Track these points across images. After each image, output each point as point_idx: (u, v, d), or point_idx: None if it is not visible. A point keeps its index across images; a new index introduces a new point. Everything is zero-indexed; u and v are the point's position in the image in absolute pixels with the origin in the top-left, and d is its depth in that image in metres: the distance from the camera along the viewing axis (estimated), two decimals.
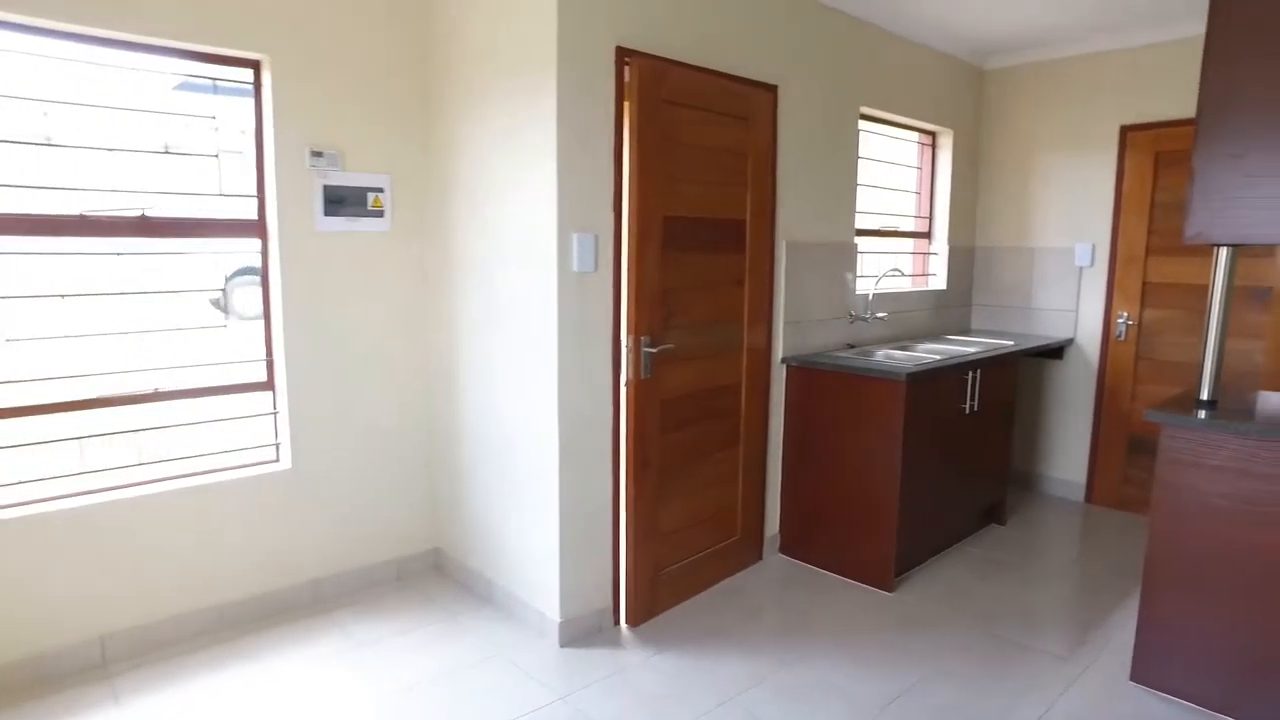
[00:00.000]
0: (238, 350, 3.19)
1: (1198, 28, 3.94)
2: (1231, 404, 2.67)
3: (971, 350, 3.87)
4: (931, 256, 4.73)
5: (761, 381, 3.55)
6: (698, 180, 3.10)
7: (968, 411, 3.69)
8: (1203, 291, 4.08)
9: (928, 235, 4.73)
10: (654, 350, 2.97)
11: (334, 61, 3.00)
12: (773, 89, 3.38)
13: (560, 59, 2.62)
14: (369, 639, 2.93)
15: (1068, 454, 4.64)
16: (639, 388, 2.97)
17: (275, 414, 3.10)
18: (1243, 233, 2.42)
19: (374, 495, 3.32)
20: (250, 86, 2.91)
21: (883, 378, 3.27)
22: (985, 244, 4.87)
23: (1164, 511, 2.58)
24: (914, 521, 3.46)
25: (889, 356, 3.86)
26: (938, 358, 3.66)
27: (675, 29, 2.97)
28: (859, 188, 3.99)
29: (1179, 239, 4.13)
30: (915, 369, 3.27)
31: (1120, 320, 4.35)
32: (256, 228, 2.99)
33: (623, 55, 2.80)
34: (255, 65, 2.90)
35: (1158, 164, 4.16)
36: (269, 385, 3.08)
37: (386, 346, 3.29)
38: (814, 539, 3.63)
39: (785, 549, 3.75)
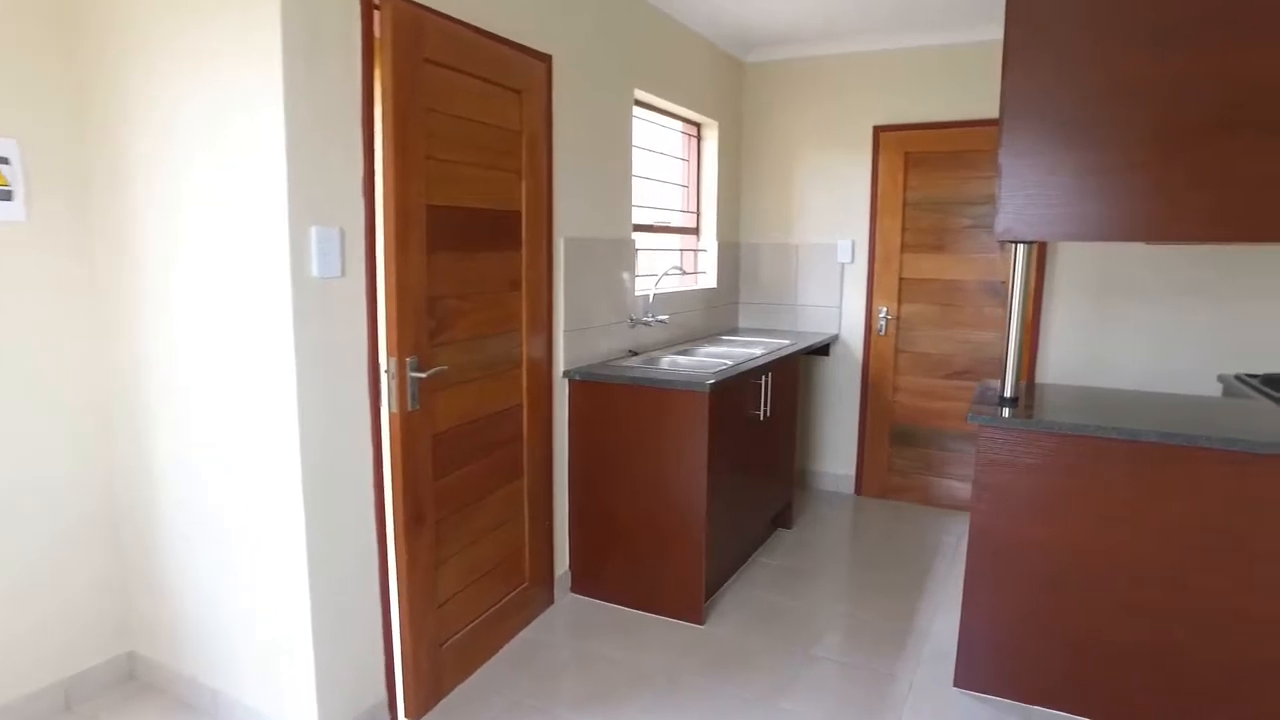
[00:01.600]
0: None
1: (942, 37, 4.11)
2: (1026, 399, 2.68)
3: (758, 352, 3.70)
4: (701, 254, 4.55)
5: (544, 401, 3.07)
6: (467, 162, 2.55)
7: (761, 418, 3.51)
8: (951, 286, 4.29)
9: (696, 231, 4.54)
10: (423, 375, 2.37)
11: None
12: (546, 59, 2.90)
13: None
14: None
15: (837, 449, 4.71)
16: (406, 423, 2.35)
17: None
18: (1044, 231, 2.40)
19: (20, 597, 2.35)
20: None
21: (683, 389, 2.95)
22: (751, 240, 4.80)
23: (983, 513, 2.51)
24: (719, 542, 3.19)
25: (675, 363, 3.57)
26: (728, 362, 3.42)
27: None
28: (633, 179, 3.65)
29: (928, 236, 4.31)
30: (717, 378, 2.99)
31: (881, 315, 4.47)
32: None
33: None
34: None
35: (907, 164, 4.30)
36: None
37: (33, 388, 2.33)
38: (611, 573, 3.23)
39: (579, 587, 3.31)
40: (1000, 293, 4.18)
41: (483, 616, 2.77)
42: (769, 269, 4.76)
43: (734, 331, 4.65)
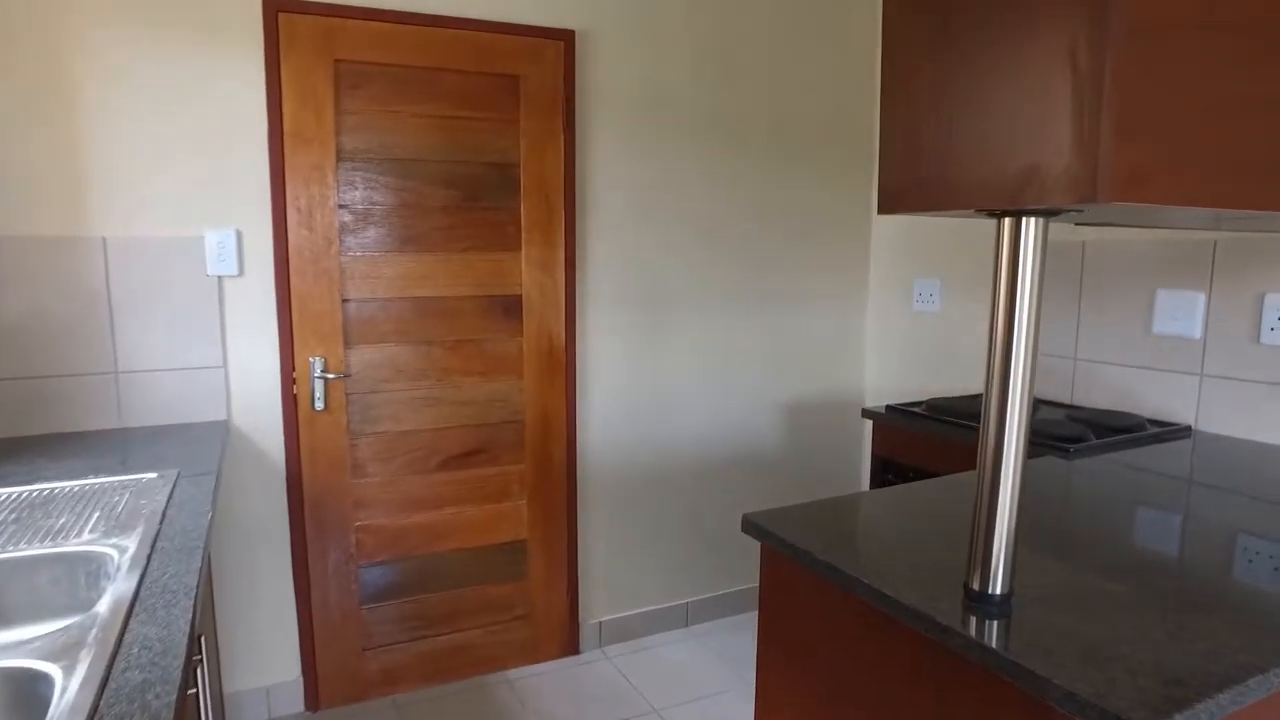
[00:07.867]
0: None
1: None
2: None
3: (113, 555, 1.26)
4: None
5: None
6: None
7: None
8: (434, 307, 2.47)
9: None
10: None
11: None
12: None
13: None
14: None
15: (261, 644, 2.40)
16: None
17: None
18: (1226, 184, 0.93)
19: None
20: None
21: None
22: None
23: None
24: None
25: None
26: (81, 643, 0.97)
27: None
28: None
29: (391, 219, 2.40)
30: None
31: (315, 374, 2.33)
32: None
33: None
34: None
35: (339, 81, 2.26)
36: None
37: None
38: None
39: None
40: (516, 313, 2.56)
41: None
42: (27, 296, 2.07)
43: None
